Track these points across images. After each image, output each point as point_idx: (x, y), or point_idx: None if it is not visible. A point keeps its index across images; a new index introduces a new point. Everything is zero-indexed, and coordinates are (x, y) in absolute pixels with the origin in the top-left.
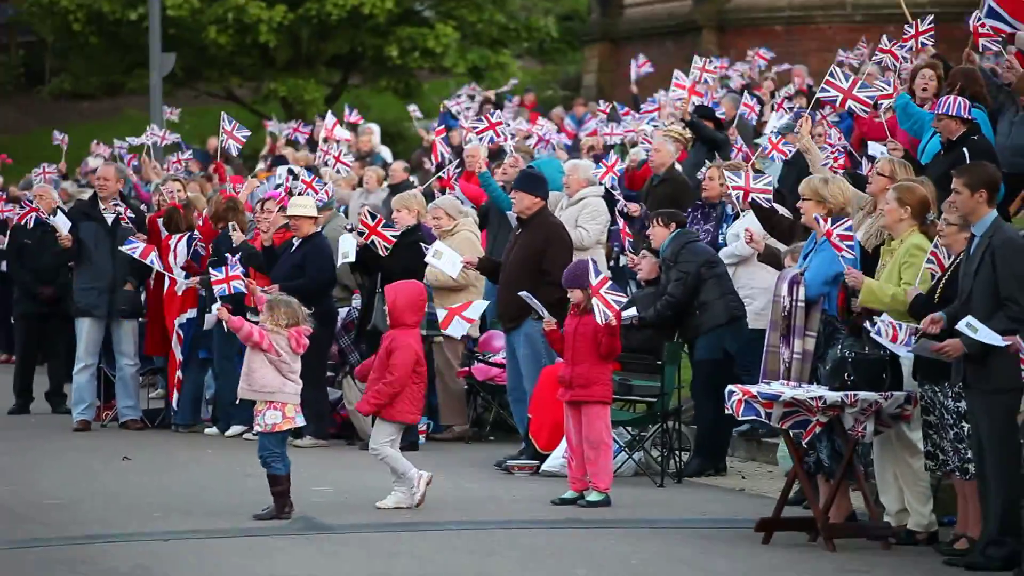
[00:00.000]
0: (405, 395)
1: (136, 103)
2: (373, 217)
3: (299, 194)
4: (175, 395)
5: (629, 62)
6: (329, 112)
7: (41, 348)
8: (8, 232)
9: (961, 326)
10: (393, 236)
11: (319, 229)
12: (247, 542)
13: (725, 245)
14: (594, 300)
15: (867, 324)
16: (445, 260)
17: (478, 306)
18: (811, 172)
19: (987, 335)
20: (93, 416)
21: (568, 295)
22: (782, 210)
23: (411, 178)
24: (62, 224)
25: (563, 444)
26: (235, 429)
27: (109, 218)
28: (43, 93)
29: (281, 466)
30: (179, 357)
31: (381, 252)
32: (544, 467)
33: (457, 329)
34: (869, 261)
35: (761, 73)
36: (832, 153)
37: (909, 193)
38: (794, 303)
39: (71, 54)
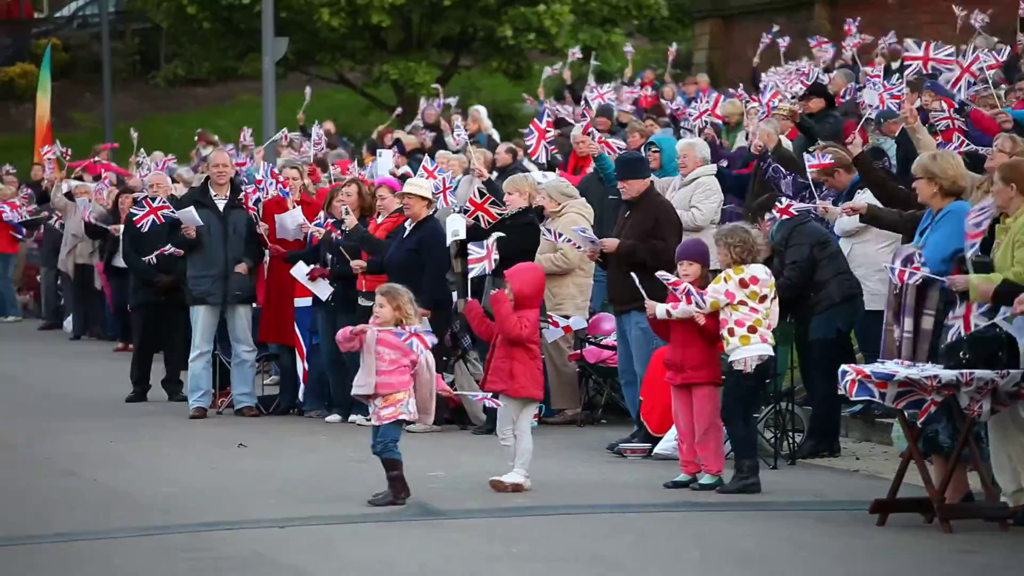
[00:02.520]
0: (523, 369)
1: (249, 88)
2: (482, 195)
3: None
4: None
5: (740, 38)
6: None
7: (158, 336)
8: (123, 222)
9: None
10: (499, 214)
11: (432, 212)
12: (361, 528)
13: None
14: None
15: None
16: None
17: (576, 321)
18: (919, 151)
19: None
20: (209, 403)
21: (679, 270)
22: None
23: (521, 159)
24: (190, 219)
25: (675, 427)
26: (354, 417)
27: (221, 204)
28: (157, 79)
29: (397, 451)
30: (303, 344)
31: (484, 226)
32: (656, 450)
33: (550, 334)
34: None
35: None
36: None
37: (1012, 171)
38: (906, 282)
39: (184, 40)
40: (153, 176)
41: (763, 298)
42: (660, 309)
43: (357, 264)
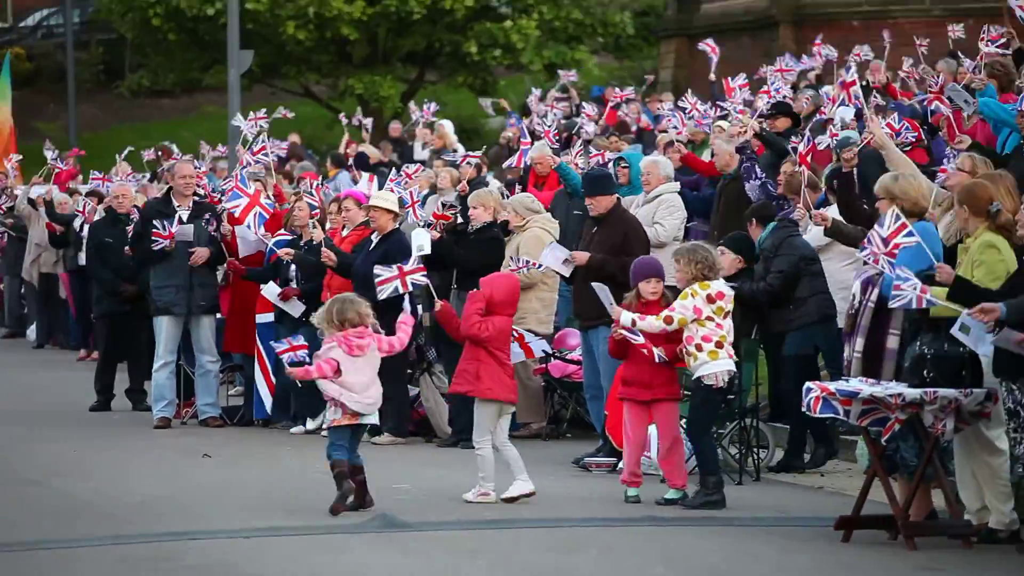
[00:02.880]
0: (490, 372)
1: (214, 100)
2: (444, 206)
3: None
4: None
5: (705, 57)
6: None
7: (122, 346)
8: (88, 230)
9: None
10: (454, 215)
11: (397, 226)
12: (327, 539)
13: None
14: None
15: (956, 326)
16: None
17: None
18: (888, 168)
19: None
20: (173, 413)
21: (642, 287)
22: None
23: (484, 174)
24: (187, 231)
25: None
26: (310, 424)
27: (184, 215)
28: (122, 89)
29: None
30: (267, 358)
31: (438, 231)
32: (621, 464)
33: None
34: (950, 258)
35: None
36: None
37: (966, 194)
38: (865, 303)
39: (149, 50)
40: (116, 187)
41: (726, 314)
42: (626, 317)
43: (328, 255)
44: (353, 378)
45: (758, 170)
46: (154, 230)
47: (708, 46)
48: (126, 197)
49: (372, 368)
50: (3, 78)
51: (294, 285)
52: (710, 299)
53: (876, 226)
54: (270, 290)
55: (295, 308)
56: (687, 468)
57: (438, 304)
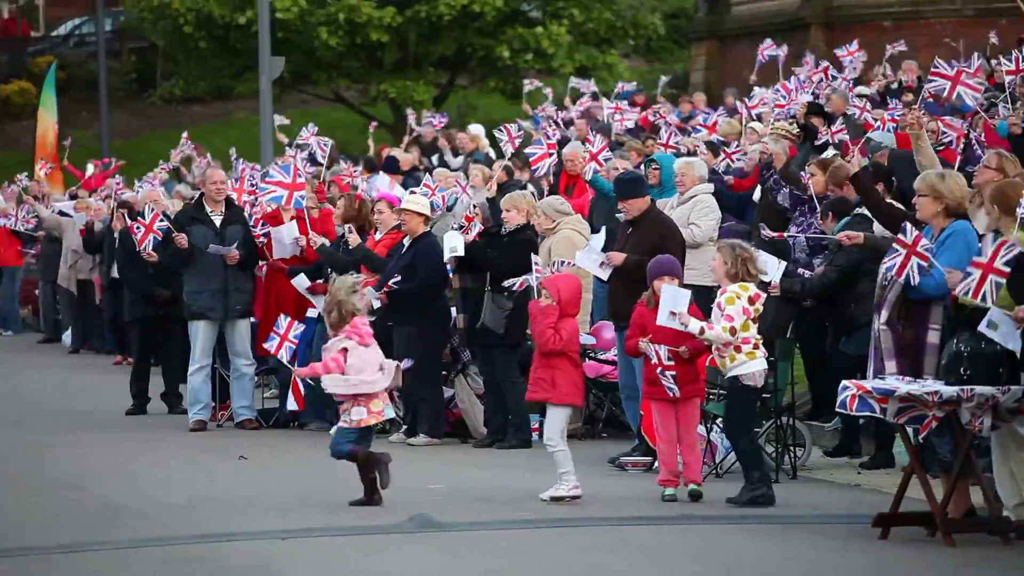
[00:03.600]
0: (565, 377)
1: (245, 106)
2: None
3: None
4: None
5: (736, 59)
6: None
7: (155, 350)
8: (119, 236)
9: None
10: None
11: (429, 229)
12: (364, 539)
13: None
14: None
15: (984, 323)
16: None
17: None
18: (918, 158)
19: None
20: (209, 416)
21: (657, 285)
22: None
23: (517, 177)
24: (223, 250)
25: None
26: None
27: (217, 220)
28: (154, 98)
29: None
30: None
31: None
32: (657, 463)
33: None
34: None
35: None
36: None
37: (996, 193)
38: (893, 279)
39: (181, 59)
40: (148, 192)
41: (756, 318)
42: (695, 325)
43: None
44: (370, 366)
45: (781, 182)
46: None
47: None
48: (157, 203)
49: (379, 352)
50: (48, 88)
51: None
52: (751, 300)
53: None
54: (300, 281)
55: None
56: (725, 466)
57: (531, 302)
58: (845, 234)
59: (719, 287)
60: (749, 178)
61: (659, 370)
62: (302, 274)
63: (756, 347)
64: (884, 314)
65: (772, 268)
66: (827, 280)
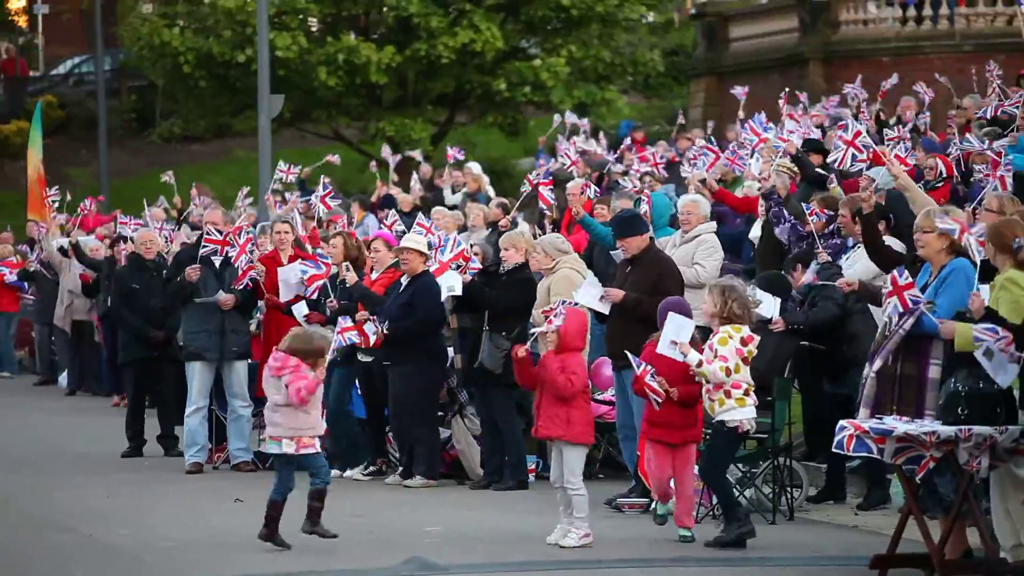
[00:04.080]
0: (579, 414)
1: (244, 144)
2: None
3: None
4: None
5: (734, 96)
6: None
7: (150, 391)
8: (115, 276)
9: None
10: (495, 266)
11: (428, 268)
12: None
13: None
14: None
15: (981, 350)
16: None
17: None
18: (912, 208)
19: None
20: (205, 458)
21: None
22: (894, 243)
23: (512, 215)
24: (211, 300)
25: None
26: (350, 473)
27: (217, 261)
28: (153, 136)
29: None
30: None
31: (462, 273)
32: (654, 504)
33: None
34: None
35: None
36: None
37: (991, 232)
38: (897, 329)
39: (181, 97)
40: (143, 233)
41: (747, 360)
42: (694, 357)
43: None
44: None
45: (786, 214)
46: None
47: (741, 93)
48: (153, 243)
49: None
50: (35, 127)
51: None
52: (743, 342)
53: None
54: (299, 309)
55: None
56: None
57: (522, 351)
58: (844, 281)
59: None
60: (744, 199)
61: (647, 376)
62: (302, 302)
63: (747, 393)
64: (878, 363)
65: (769, 306)
66: (828, 314)
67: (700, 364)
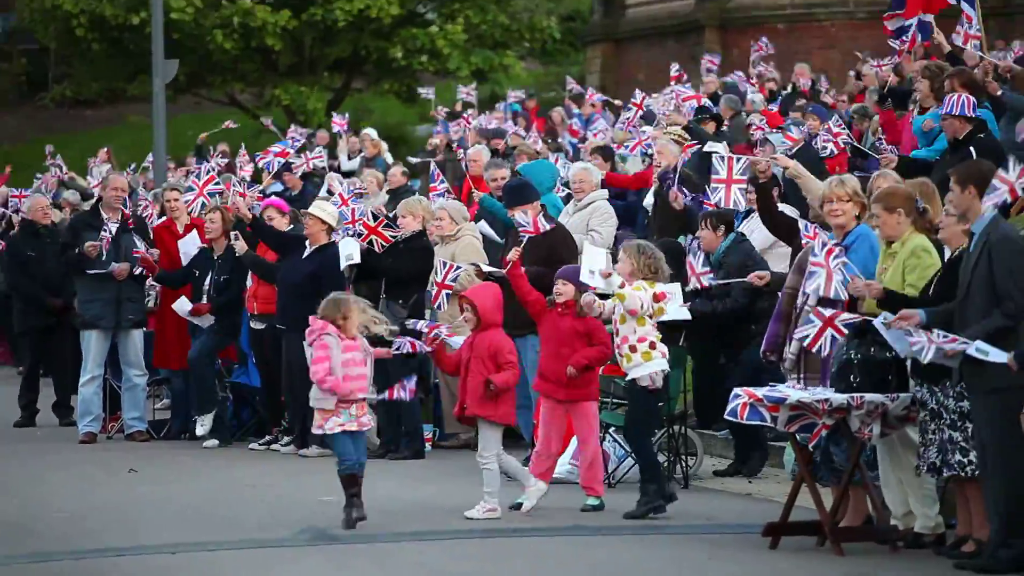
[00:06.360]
0: (508, 395)
1: (138, 110)
2: (375, 218)
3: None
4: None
5: (631, 62)
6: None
7: (46, 360)
8: (8, 245)
9: (971, 351)
10: (393, 237)
11: (331, 240)
12: (256, 553)
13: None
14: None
15: (880, 318)
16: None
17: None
18: (806, 195)
19: (996, 355)
20: (99, 428)
21: (556, 289)
22: (788, 209)
23: (411, 183)
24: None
25: (570, 449)
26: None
27: (113, 228)
28: (45, 100)
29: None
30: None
31: (377, 249)
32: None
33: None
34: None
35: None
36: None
37: (894, 198)
38: (802, 306)
39: (73, 61)
40: (35, 199)
41: (656, 315)
42: (616, 279)
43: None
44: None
45: (685, 189)
46: (91, 243)
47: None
48: (46, 210)
49: None
50: None
51: (205, 299)
52: (655, 298)
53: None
54: (181, 305)
55: (205, 321)
56: (618, 476)
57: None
58: (756, 275)
59: None
60: (635, 176)
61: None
62: (183, 297)
63: (652, 347)
64: (796, 345)
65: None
66: (738, 304)
67: (623, 286)
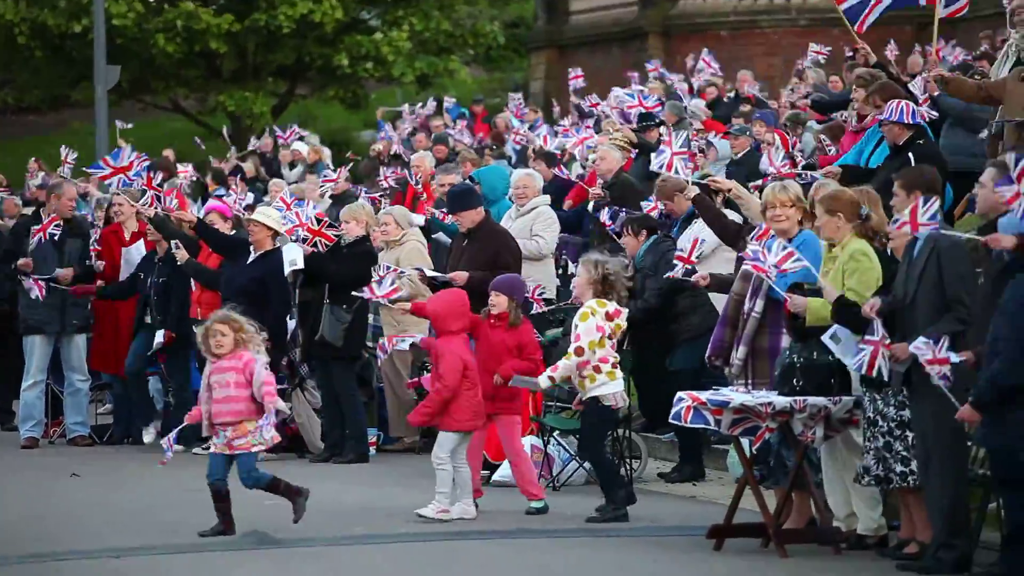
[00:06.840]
0: (461, 403)
1: (82, 116)
2: (318, 221)
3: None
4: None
5: (572, 71)
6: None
7: None
8: None
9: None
10: (336, 236)
11: (276, 246)
12: (199, 558)
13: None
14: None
15: (828, 333)
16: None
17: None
18: (747, 215)
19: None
20: (41, 433)
21: (491, 300)
22: (731, 214)
23: (354, 188)
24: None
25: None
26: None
27: (56, 233)
28: None
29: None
30: None
31: (321, 249)
32: (494, 477)
33: (403, 343)
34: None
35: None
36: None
37: (836, 202)
38: (749, 312)
39: (15, 68)
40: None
41: (614, 333)
42: (545, 381)
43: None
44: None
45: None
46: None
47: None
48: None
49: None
50: None
51: (151, 309)
52: (608, 317)
53: (764, 251)
54: (157, 341)
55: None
56: (563, 479)
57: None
58: (700, 276)
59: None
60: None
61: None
62: (159, 332)
63: (615, 366)
64: (743, 350)
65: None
66: (649, 306)
67: (552, 380)
